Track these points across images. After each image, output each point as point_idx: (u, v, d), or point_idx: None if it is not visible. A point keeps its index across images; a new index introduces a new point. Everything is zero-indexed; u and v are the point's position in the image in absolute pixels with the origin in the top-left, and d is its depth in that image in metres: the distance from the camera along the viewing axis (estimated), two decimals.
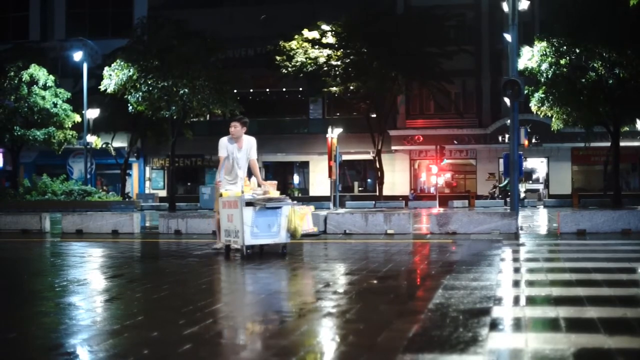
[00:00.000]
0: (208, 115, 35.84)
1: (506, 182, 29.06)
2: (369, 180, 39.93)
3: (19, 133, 32.14)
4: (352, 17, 32.47)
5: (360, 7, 32.14)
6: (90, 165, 35.46)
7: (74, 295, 5.57)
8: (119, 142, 38.32)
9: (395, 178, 37.81)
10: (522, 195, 30.17)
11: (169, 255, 9.46)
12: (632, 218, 11.40)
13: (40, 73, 32.03)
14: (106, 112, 35.37)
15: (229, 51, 35.91)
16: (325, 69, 32.36)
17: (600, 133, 29.25)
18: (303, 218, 8.21)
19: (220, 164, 8.72)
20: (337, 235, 11.72)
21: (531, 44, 24.22)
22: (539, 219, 18.33)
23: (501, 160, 30.59)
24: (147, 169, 41.75)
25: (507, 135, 25.64)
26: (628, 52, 22.68)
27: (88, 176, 35.20)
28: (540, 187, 37.53)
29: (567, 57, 23.61)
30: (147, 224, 17.03)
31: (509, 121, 17.64)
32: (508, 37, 16.20)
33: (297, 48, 32.52)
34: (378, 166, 34.67)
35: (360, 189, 39.68)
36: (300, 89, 38.65)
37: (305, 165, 40.38)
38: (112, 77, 29.96)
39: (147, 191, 40.40)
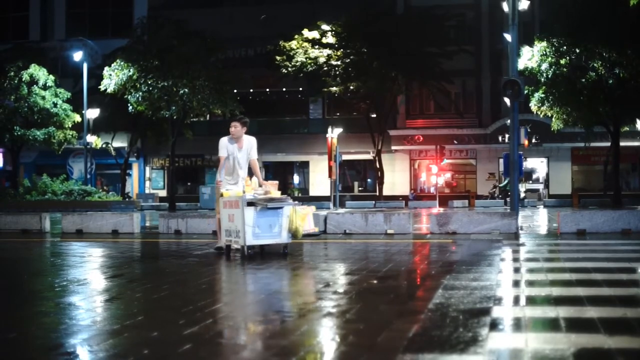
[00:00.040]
0: (208, 115, 35.85)
1: (506, 182, 29.06)
2: (369, 180, 39.93)
3: (19, 133, 32.14)
4: (352, 17, 32.47)
5: (360, 7, 32.14)
6: (90, 165, 35.46)
7: (74, 295, 5.57)
8: (119, 142, 38.32)
9: (395, 178, 37.81)
10: (522, 195, 30.17)
11: (169, 255, 9.46)
12: (632, 218, 11.40)
13: (40, 73, 32.04)
14: (106, 112, 35.37)
15: (229, 51, 35.91)
16: (325, 69, 32.36)
17: (600, 133, 29.25)
18: (304, 218, 8.19)
19: (220, 164, 8.69)
20: (337, 235, 11.72)
21: (531, 44, 24.22)
22: (539, 219, 18.33)
23: (501, 160, 30.57)
24: (147, 169, 41.75)
25: (507, 135, 25.65)
26: (628, 52, 22.68)
27: (88, 176, 35.20)
28: (540, 187, 37.52)
29: (567, 57, 23.61)
30: (147, 224, 17.03)
31: (509, 121, 17.64)
32: (508, 37, 16.20)
33: (297, 48, 32.52)
34: (378, 166, 34.67)
35: (360, 189, 39.67)
36: (300, 89, 38.65)
37: (305, 165, 40.38)
38: (112, 77, 29.96)
39: (147, 191, 40.40)
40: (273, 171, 39.54)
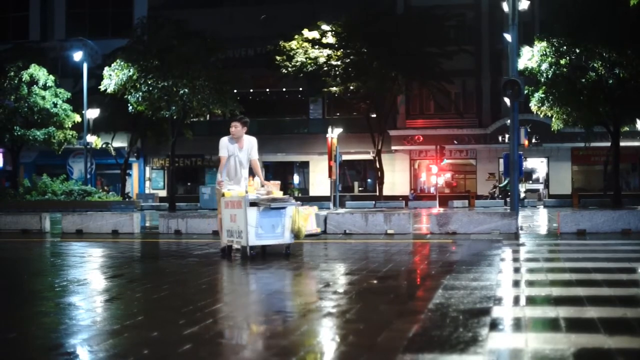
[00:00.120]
0: (208, 115, 35.84)
1: (506, 182, 29.05)
2: (369, 180, 39.92)
3: (19, 133, 32.14)
4: (352, 17, 32.46)
5: (360, 7, 32.13)
6: (90, 165, 35.46)
7: (74, 295, 5.57)
8: (119, 142, 38.32)
9: (395, 178, 37.80)
10: (522, 195, 30.16)
11: (169, 255, 9.46)
12: (632, 218, 11.40)
13: (40, 73, 32.03)
14: (106, 112, 35.37)
15: (229, 51, 35.90)
16: (325, 69, 32.36)
17: (600, 133, 29.24)
18: (307, 219, 8.16)
19: (221, 164, 8.62)
20: (337, 235, 11.72)
21: (531, 44, 24.21)
22: (539, 219, 18.34)
23: (501, 160, 30.57)
24: (147, 169, 41.75)
25: (507, 135, 25.63)
26: (628, 52, 22.67)
27: (88, 176, 35.20)
28: (540, 187, 37.52)
29: (567, 57, 23.61)
30: (147, 224, 17.03)
31: (509, 121, 17.64)
32: (508, 37, 16.20)
33: (297, 48, 32.52)
34: (378, 166, 34.67)
35: (360, 189, 39.67)
36: (300, 89, 38.64)
37: (305, 165, 40.37)
38: (112, 77, 29.96)
39: (147, 191, 40.40)
40: (273, 171, 39.54)
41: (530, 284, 5.68)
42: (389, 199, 34.24)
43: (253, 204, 7.85)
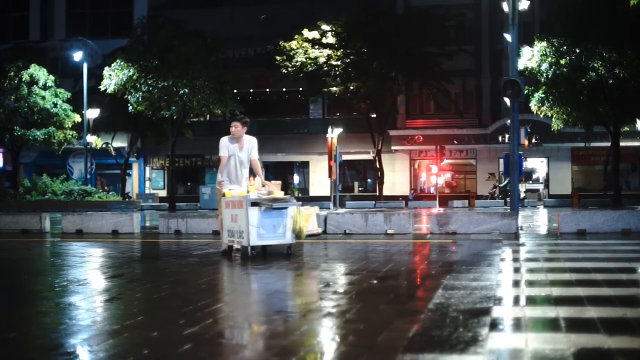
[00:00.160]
0: (208, 115, 35.85)
1: (506, 182, 29.05)
2: (369, 180, 39.92)
3: (19, 133, 32.14)
4: (352, 17, 32.47)
5: (360, 7, 32.13)
6: (90, 165, 35.47)
7: (74, 295, 5.57)
8: (119, 142, 38.32)
9: (395, 178, 37.81)
10: (522, 195, 30.16)
11: (169, 255, 9.46)
12: (632, 218, 11.40)
13: (40, 73, 32.03)
14: (106, 112, 35.37)
15: (229, 51, 35.90)
16: (325, 69, 32.36)
17: (600, 133, 29.25)
18: (308, 219, 8.14)
19: (221, 164, 8.58)
20: (337, 235, 11.72)
21: (531, 44, 24.21)
22: (539, 219, 18.33)
23: (501, 160, 30.59)
24: (147, 169, 41.75)
25: (507, 135, 25.64)
26: (628, 52, 22.67)
27: (88, 176, 35.20)
28: (540, 187, 37.52)
29: (567, 57, 23.61)
30: (147, 224, 17.03)
31: (509, 121, 17.64)
32: (508, 37, 16.20)
33: (297, 48, 32.52)
34: (378, 166, 34.67)
35: (360, 189, 39.67)
36: (300, 89, 38.64)
37: (305, 165, 40.38)
38: (112, 77, 29.97)
39: (147, 191, 40.40)
40: (273, 171, 39.55)
41: (530, 284, 5.68)
42: (389, 199, 34.24)
43: (254, 203, 7.82)
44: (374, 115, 35.26)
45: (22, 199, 31.69)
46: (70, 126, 32.95)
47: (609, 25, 22.26)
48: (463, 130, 36.29)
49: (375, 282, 5.97)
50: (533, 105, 25.61)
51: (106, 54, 35.32)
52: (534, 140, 31.79)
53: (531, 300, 4.93)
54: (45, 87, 32.26)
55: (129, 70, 29.67)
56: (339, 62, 32.18)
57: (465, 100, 37.71)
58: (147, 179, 41.58)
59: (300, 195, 35.11)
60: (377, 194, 35.00)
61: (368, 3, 32.42)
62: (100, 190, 34.66)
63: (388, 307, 4.76)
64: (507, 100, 19.54)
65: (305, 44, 32.56)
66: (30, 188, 32.80)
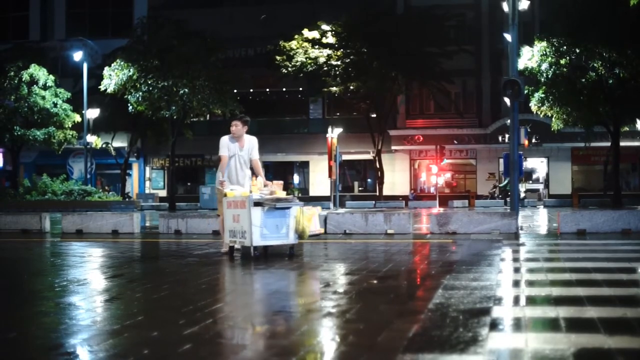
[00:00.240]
0: (208, 115, 35.86)
1: (506, 182, 29.06)
2: (369, 180, 39.93)
3: (19, 133, 32.14)
4: (352, 17, 32.47)
5: (360, 7, 32.14)
6: (90, 165, 35.46)
7: (74, 295, 5.57)
8: (119, 142, 38.32)
9: (395, 178, 37.81)
10: (522, 195, 30.17)
11: (169, 255, 9.46)
12: (632, 218, 11.40)
13: (40, 73, 32.03)
14: (106, 112, 35.37)
15: (229, 51, 35.91)
16: (325, 69, 32.36)
17: (600, 133, 29.26)
18: (310, 219, 8.11)
19: (222, 163, 8.53)
20: (337, 235, 11.71)
21: (531, 44, 24.21)
22: (539, 219, 18.33)
23: (501, 160, 30.54)
24: (147, 168, 41.75)
25: (507, 135, 25.65)
26: (628, 52, 22.68)
27: (88, 176, 35.20)
28: (540, 187, 37.53)
29: (567, 57, 23.61)
30: (147, 224, 17.03)
31: (509, 121, 17.63)
32: (508, 37, 16.20)
33: (297, 48, 32.52)
34: (378, 166, 34.67)
35: (360, 189, 39.68)
36: (300, 89, 38.65)
37: (305, 165, 40.38)
38: (112, 77, 29.98)
39: (147, 191, 40.41)
40: (273, 171, 39.54)
41: (530, 283, 5.68)
42: (389, 199, 34.24)
43: (257, 204, 7.76)
44: (374, 115, 35.27)
45: (22, 199, 31.69)
46: (70, 126, 32.95)
47: (609, 25, 22.26)
48: (463, 130, 36.29)
49: (375, 282, 5.97)
50: (533, 105, 25.62)
51: (106, 54, 35.32)
52: (534, 140, 31.80)
53: (531, 300, 4.93)
54: (45, 87, 32.26)
55: (129, 70, 29.68)
56: (339, 62, 32.18)
57: (465, 100, 37.71)
58: (147, 179, 41.59)
59: (300, 195, 35.10)
60: (377, 194, 35.01)
61: (368, 3, 32.42)
62: (100, 190, 34.65)
63: (388, 307, 4.76)
64: (507, 100, 19.54)
65: (305, 44, 32.56)
66: (30, 188, 32.80)
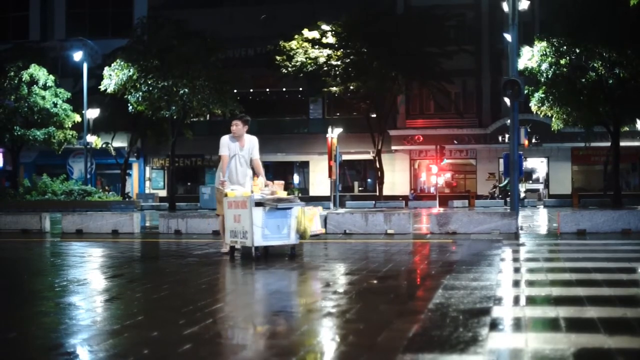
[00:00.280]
0: (208, 115, 35.87)
1: (506, 182, 29.05)
2: (369, 180, 39.92)
3: (19, 133, 32.14)
4: (352, 17, 32.46)
5: (360, 7, 32.14)
6: (90, 165, 35.45)
7: (74, 295, 5.57)
8: (119, 142, 38.32)
9: (395, 178, 37.81)
10: (522, 195, 30.16)
11: (169, 255, 9.46)
12: (632, 218, 11.40)
13: (40, 73, 32.02)
14: (106, 112, 35.37)
15: (229, 51, 35.90)
16: (325, 68, 32.36)
17: (600, 133, 29.25)
18: (312, 219, 8.09)
19: (222, 163, 8.49)
20: (337, 235, 11.71)
21: (531, 44, 24.21)
22: (539, 219, 18.33)
23: (501, 160, 30.54)
24: (147, 168, 41.75)
25: (507, 135, 25.64)
26: (628, 52, 22.67)
27: (88, 176, 35.20)
28: (540, 187, 37.52)
29: (567, 57, 23.60)
30: (147, 224, 17.03)
31: (509, 121, 17.63)
32: (508, 37, 16.20)
33: (297, 48, 32.52)
34: (378, 166, 34.67)
35: (360, 188, 39.67)
36: (300, 89, 38.64)
37: (305, 165, 40.38)
38: (112, 77, 29.98)
39: (147, 191, 40.40)
40: (273, 171, 39.51)
41: (530, 283, 5.68)
42: (389, 199, 34.24)
43: (259, 204, 7.73)
44: (374, 115, 35.26)
45: (22, 199, 31.68)
46: (70, 126, 32.94)
47: (609, 25, 22.26)
48: (463, 130, 36.29)
49: (375, 282, 5.97)
50: (533, 105, 25.62)
51: (106, 54, 35.32)
52: (534, 140, 31.79)
53: (531, 300, 4.93)
54: (45, 87, 32.25)
55: (129, 70, 29.68)
56: (339, 62, 32.18)
57: (465, 100, 37.71)
58: (147, 179, 41.58)
59: (300, 195, 35.11)
60: (377, 194, 35.00)
61: (368, 3, 32.42)
62: (101, 190, 34.65)
63: (388, 307, 4.76)
64: (507, 100, 19.54)
65: (305, 44, 32.56)
66: (30, 188, 32.79)
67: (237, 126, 8.53)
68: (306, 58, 32.32)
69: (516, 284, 5.72)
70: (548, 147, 34.89)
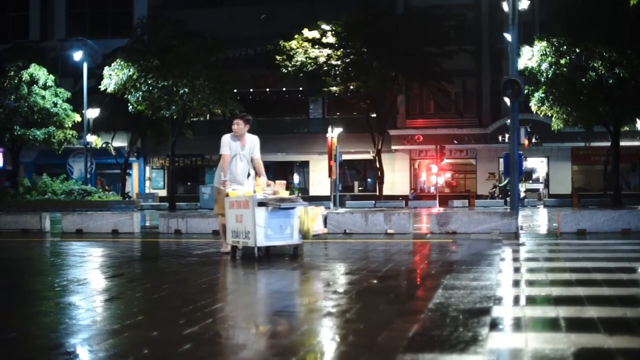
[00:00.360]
0: (208, 115, 35.88)
1: (506, 181, 29.06)
2: (369, 180, 39.93)
3: (19, 133, 32.13)
4: (352, 17, 32.47)
5: (360, 7, 32.14)
6: (90, 165, 35.46)
7: (74, 295, 5.57)
8: (119, 142, 38.32)
9: (395, 178, 37.81)
10: (522, 195, 30.17)
11: (169, 254, 9.45)
12: (632, 218, 11.40)
13: (40, 73, 32.02)
14: (106, 112, 35.38)
15: (229, 51, 35.91)
16: (325, 68, 32.36)
17: (600, 133, 29.25)
18: (314, 219, 8.04)
19: (223, 162, 8.43)
20: (337, 235, 11.71)
21: (531, 44, 24.21)
22: (539, 219, 18.33)
23: (501, 160, 30.52)
24: (147, 168, 41.76)
25: (507, 135, 25.65)
26: (628, 52, 22.67)
27: (88, 176, 35.20)
28: (540, 186, 37.53)
29: (567, 57, 23.61)
30: (147, 224, 17.02)
31: (509, 121, 17.62)
32: (508, 37, 16.20)
33: (297, 48, 32.53)
34: (378, 166, 34.67)
35: (360, 188, 39.68)
36: (300, 88, 38.64)
37: (305, 165, 40.38)
38: (112, 77, 29.98)
39: (147, 191, 40.41)
40: (273, 171, 39.49)
41: (530, 283, 5.68)
42: (389, 199, 34.24)
43: (261, 204, 7.67)
44: (374, 115, 35.26)
45: (22, 199, 31.68)
46: (70, 126, 32.94)
47: (609, 25, 22.26)
48: (463, 130, 36.30)
49: (375, 281, 5.97)
50: (533, 105, 25.62)
51: (106, 53, 35.30)
52: (534, 140, 31.80)
53: (531, 300, 4.93)
54: (45, 87, 32.25)
55: (129, 70, 29.69)
56: (339, 62, 32.19)
57: (465, 100, 37.71)
58: (147, 179, 41.59)
59: (300, 195, 35.09)
60: (377, 193, 35.00)
61: (368, 3, 32.42)
62: (101, 190, 34.65)
63: (388, 307, 4.76)
64: (507, 100, 19.53)
65: (305, 43, 32.56)
66: (30, 188, 32.79)
67: (239, 125, 8.49)
68: (306, 58, 32.32)
69: (516, 283, 5.72)
70: (548, 147, 34.90)
